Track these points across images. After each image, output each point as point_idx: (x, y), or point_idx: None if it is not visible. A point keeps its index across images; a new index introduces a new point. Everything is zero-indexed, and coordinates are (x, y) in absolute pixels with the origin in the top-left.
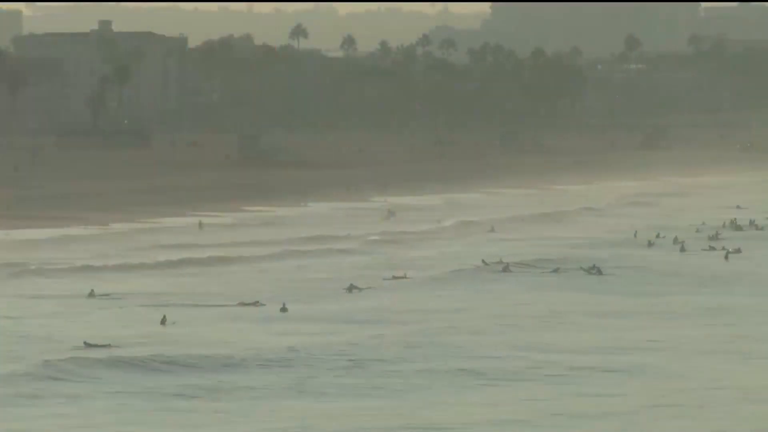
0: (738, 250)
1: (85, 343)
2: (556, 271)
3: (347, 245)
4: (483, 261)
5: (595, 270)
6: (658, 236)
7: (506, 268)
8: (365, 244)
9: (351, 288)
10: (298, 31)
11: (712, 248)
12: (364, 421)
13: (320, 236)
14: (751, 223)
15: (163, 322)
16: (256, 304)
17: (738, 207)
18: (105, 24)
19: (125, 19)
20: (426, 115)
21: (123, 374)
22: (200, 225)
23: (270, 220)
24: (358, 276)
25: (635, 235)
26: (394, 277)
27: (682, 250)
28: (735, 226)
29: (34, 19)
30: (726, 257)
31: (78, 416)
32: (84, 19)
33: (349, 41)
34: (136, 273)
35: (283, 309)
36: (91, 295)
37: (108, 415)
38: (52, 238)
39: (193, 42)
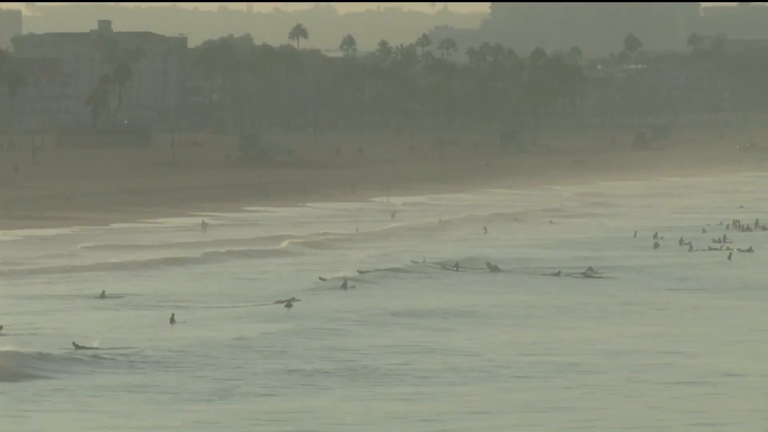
0: (750, 250)
1: (74, 344)
2: (557, 274)
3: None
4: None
5: (593, 273)
6: (656, 236)
7: (494, 268)
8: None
9: (345, 285)
10: (298, 31)
11: (724, 248)
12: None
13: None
14: (757, 223)
15: (172, 321)
16: (292, 300)
17: (741, 207)
18: (105, 24)
19: (125, 19)
20: (426, 115)
21: (121, 372)
22: (203, 225)
23: (271, 220)
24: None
25: (635, 236)
26: (360, 273)
27: (691, 250)
28: (741, 226)
29: (34, 19)
30: (729, 257)
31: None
32: (84, 19)
33: (348, 41)
34: (136, 273)
35: (288, 305)
36: (103, 296)
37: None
38: (53, 237)
39: (193, 42)
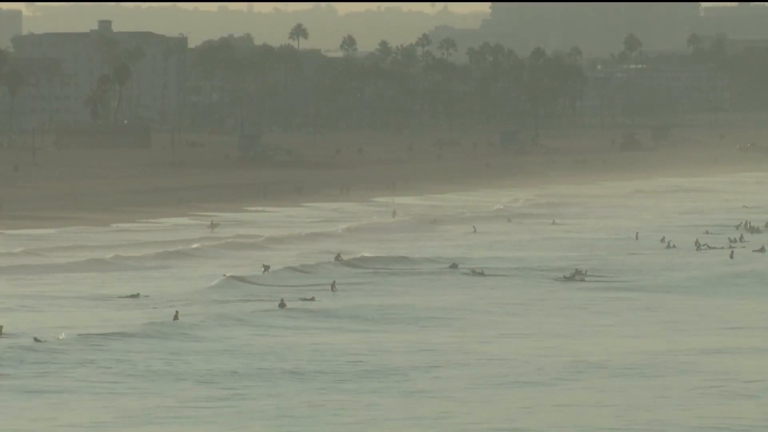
0: (762, 249)
1: (34, 339)
2: (571, 278)
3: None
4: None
5: (578, 276)
6: (663, 239)
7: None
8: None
9: (333, 286)
10: (298, 31)
11: (726, 248)
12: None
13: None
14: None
15: (175, 318)
16: (312, 299)
17: (744, 207)
18: (105, 24)
19: (125, 19)
20: (426, 115)
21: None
22: (212, 225)
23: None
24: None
25: (636, 237)
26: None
27: (698, 250)
28: (751, 227)
29: (34, 19)
30: (731, 256)
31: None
32: (84, 19)
33: (348, 41)
34: (137, 272)
35: (282, 305)
36: (122, 296)
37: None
38: (52, 237)
39: (193, 42)
